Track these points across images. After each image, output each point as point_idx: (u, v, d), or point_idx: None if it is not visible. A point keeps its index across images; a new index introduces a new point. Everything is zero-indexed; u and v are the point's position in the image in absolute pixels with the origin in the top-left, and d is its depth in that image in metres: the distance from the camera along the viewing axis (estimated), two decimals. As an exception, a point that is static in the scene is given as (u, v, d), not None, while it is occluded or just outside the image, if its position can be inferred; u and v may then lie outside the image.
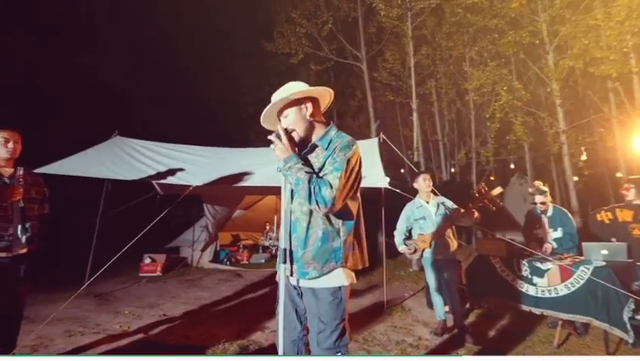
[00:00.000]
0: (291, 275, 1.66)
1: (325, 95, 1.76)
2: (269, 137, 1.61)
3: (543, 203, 3.85)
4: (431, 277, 3.60)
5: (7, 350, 2.52)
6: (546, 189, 3.89)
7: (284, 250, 1.63)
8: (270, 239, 9.41)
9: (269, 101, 1.69)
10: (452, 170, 10.98)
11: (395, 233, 3.78)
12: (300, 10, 9.24)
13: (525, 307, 3.49)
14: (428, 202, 3.66)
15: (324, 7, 9.31)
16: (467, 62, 8.94)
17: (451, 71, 9.66)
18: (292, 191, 1.64)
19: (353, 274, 1.70)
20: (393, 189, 3.88)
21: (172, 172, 4.57)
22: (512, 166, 12.12)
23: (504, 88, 7.41)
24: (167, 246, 8.09)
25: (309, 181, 1.51)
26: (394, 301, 4.84)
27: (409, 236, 3.75)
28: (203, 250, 7.66)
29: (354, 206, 1.66)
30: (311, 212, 1.61)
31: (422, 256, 3.63)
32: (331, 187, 1.49)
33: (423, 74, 9.76)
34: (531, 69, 7.99)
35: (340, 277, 1.62)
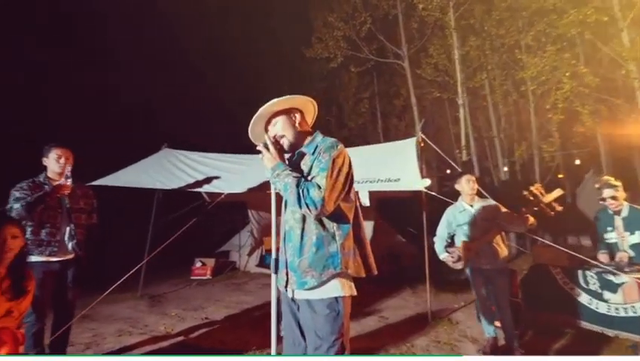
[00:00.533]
0: (286, 287, 1.61)
1: (308, 106, 1.77)
2: (258, 147, 1.63)
3: (613, 198, 3.25)
4: (477, 289, 3.26)
5: (62, 348, 2.77)
6: (617, 183, 3.29)
7: (275, 260, 1.65)
8: None
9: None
10: (505, 168, 10.01)
11: (435, 239, 3.50)
12: (337, 13, 9.20)
13: (594, 327, 2.98)
14: (472, 206, 3.32)
15: (362, 8, 9.15)
16: (522, 49, 8.11)
17: (504, 60, 8.84)
18: (286, 202, 1.62)
19: (352, 285, 1.62)
20: (429, 192, 3.60)
21: (212, 180, 4.75)
22: (577, 162, 10.71)
23: (567, 74, 6.56)
24: (217, 250, 8.47)
25: (297, 185, 1.49)
26: (440, 312, 4.49)
27: (451, 243, 3.44)
28: (250, 254, 7.90)
29: (348, 209, 1.61)
30: (304, 219, 1.57)
31: (466, 265, 3.30)
32: (319, 188, 1.46)
33: (472, 66, 9.07)
34: (601, 50, 6.98)
35: (337, 288, 1.53)
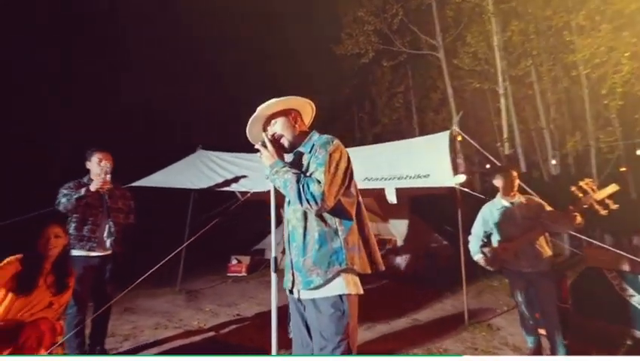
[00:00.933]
0: (292, 288, 1.60)
1: (306, 107, 1.79)
2: (256, 146, 1.64)
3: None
4: (516, 294, 2.99)
5: (101, 338, 2.96)
6: None
7: (275, 258, 1.69)
8: None
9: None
10: (554, 162, 9.15)
11: (470, 238, 3.27)
12: (366, 7, 9.00)
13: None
14: (512, 203, 3.05)
15: (394, 0, 8.85)
16: (572, 30, 7.36)
17: (551, 44, 8.10)
18: (288, 202, 1.61)
19: (359, 282, 1.58)
20: (462, 188, 3.37)
21: (240, 179, 4.84)
22: (639, 152, 9.51)
23: (626, 54, 5.84)
24: (253, 248, 8.67)
25: (297, 181, 1.48)
26: (480, 315, 4.21)
27: (488, 242, 3.20)
28: (283, 252, 7.99)
29: (349, 204, 1.59)
30: (305, 217, 1.55)
31: (502, 267, 3.05)
32: (319, 183, 1.46)
33: (515, 53, 8.41)
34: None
35: (341, 285, 1.49)
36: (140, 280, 2.78)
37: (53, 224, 2.27)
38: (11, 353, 1.91)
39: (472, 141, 4.29)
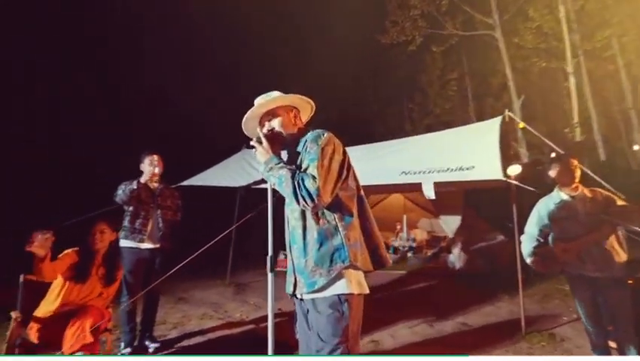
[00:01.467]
0: (294, 292, 1.52)
1: (304, 104, 1.73)
2: (251, 142, 1.58)
3: None
4: (580, 302, 2.59)
5: (150, 325, 3.21)
6: None
7: (271, 257, 1.63)
8: (401, 240, 9.04)
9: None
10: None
11: (523, 238, 2.90)
12: (412, -9, 8.48)
13: None
14: (572, 197, 2.64)
15: (441, -20, 8.23)
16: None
17: (636, 8, 6.83)
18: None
19: (363, 281, 1.50)
20: (510, 181, 3.00)
21: None
22: None
23: None
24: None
25: (292, 177, 1.42)
26: (542, 323, 3.76)
27: (544, 243, 2.81)
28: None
29: (348, 198, 1.51)
30: (304, 216, 1.50)
31: (561, 270, 2.65)
32: (314, 178, 1.39)
33: (590, 23, 7.28)
34: None
35: (342, 285, 1.41)
36: (171, 272, 2.94)
37: (99, 222, 2.51)
38: (65, 339, 2.14)
39: (528, 127, 3.84)
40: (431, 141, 4.02)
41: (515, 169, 3.53)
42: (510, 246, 6.01)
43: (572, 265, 2.58)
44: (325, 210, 1.46)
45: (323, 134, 1.51)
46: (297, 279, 1.50)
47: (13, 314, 2.26)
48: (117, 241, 2.77)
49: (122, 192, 2.95)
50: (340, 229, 1.44)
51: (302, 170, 1.46)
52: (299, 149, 1.56)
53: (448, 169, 3.24)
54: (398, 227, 9.24)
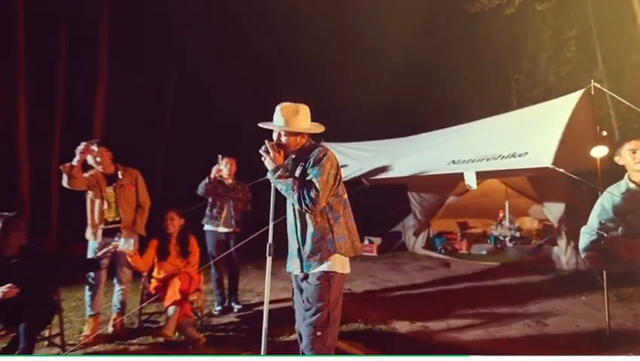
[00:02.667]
0: (300, 271, 1.89)
1: (317, 130, 2.05)
2: (260, 151, 1.92)
3: None
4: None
5: (235, 292, 4.08)
6: None
7: (270, 245, 2.07)
8: (502, 228, 8.26)
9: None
10: None
11: (582, 231, 2.60)
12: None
13: None
14: (640, 186, 2.26)
15: None
16: None
17: None
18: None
19: (346, 264, 1.89)
20: (557, 168, 2.65)
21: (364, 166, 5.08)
22: None
23: None
24: (391, 230, 8.96)
25: (299, 187, 1.80)
26: (633, 333, 3.18)
27: (606, 237, 2.46)
28: (415, 235, 7.97)
29: (337, 203, 1.91)
30: (303, 215, 1.86)
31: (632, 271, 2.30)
32: (316, 189, 1.76)
33: None
34: None
35: (328, 266, 1.82)
36: (230, 250, 3.63)
37: (169, 211, 3.38)
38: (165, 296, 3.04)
39: (622, 99, 3.25)
40: (492, 126, 3.73)
41: (600, 151, 3.06)
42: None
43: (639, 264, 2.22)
44: (320, 212, 1.84)
45: (326, 153, 1.86)
46: (295, 261, 1.90)
47: (143, 275, 3.37)
48: (186, 224, 3.54)
49: (200, 187, 3.85)
50: (331, 227, 1.85)
51: (306, 179, 1.82)
52: (302, 159, 1.91)
53: (499, 156, 3.03)
54: (501, 215, 8.43)
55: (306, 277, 1.86)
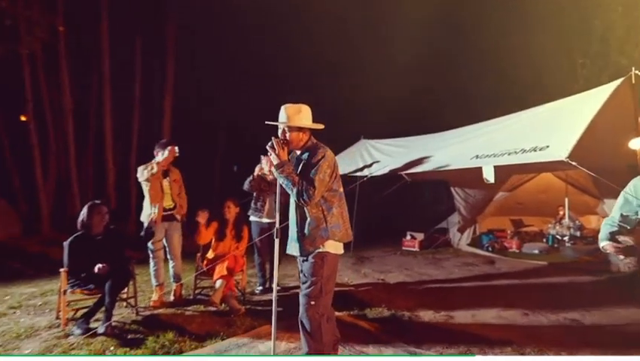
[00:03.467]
0: (298, 254, 2.21)
1: (317, 127, 2.29)
2: (267, 146, 2.19)
3: None
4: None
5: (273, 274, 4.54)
6: None
7: (277, 229, 2.42)
8: (561, 227, 7.72)
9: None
10: None
11: (604, 222, 2.56)
12: None
13: None
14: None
15: None
16: None
17: None
18: None
19: (339, 247, 2.21)
20: (571, 162, 2.59)
21: (404, 162, 5.24)
22: None
23: None
24: (436, 227, 8.84)
25: (298, 182, 2.08)
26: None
27: (628, 229, 2.41)
28: (460, 231, 7.79)
29: (332, 196, 2.20)
30: (301, 207, 2.16)
31: None
32: (313, 186, 2.05)
33: None
34: None
35: (322, 248, 2.11)
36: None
37: (226, 201, 3.93)
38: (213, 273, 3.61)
39: None
40: (521, 119, 3.67)
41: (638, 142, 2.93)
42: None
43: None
44: (316, 204, 2.13)
45: (324, 155, 2.13)
46: (295, 245, 2.22)
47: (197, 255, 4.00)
48: (240, 212, 4.06)
49: (246, 184, 4.36)
50: (325, 217, 2.13)
51: (305, 176, 2.09)
52: (304, 157, 2.20)
53: (521, 150, 3.04)
54: (561, 213, 7.86)
55: (304, 256, 2.17)
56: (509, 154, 3.11)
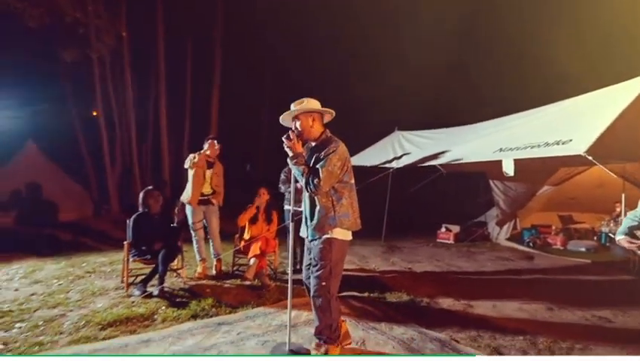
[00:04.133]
0: (308, 237, 2.44)
1: (327, 114, 2.46)
2: (283, 137, 2.39)
3: None
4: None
5: (301, 260, 4.90)
6: None
7: (291, 212, 2.58)
8: (617, 225, 7.18)
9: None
10: None
11: (627, 217, 2.55)
12: None
13: None
14: None
15: None
16: None
17: None
18: None
19: (348, 234, 2.38)
20: (588, 156, 2.54)
21: (438, 154, 5.26)
22: None
23: None
24: (475, 220, 8.63)
25: (307, 173, 2.29)
26: None
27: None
28: (499, 225, 7.58)
29: (343, 188, 2.37)
30: (312, 196, 2.36)
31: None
32: (319, 177, 2.23)
33: None
34: None
35: (330, 234, 2.30)
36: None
37: (260, 188, 4.31)
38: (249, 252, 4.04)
39: None
40: (549, 113, 3.59)
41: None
42: None
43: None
44: (326, 194, 2.31)
45: (335, 150, 2.28)
46: (305, 228, 2.46)
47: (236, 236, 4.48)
48: (272, 199, 4.43)
49: (280, 183, 4.65)
50: (334, 206, 2.31)
51: (314, 167, 2.29)
52: (316, 149, 2.39)
53: (544, 144, 3.03)
54: (618, 209, 7.28)
55: (313, 240, 2.38)
56: (532, 147, 3.09)
